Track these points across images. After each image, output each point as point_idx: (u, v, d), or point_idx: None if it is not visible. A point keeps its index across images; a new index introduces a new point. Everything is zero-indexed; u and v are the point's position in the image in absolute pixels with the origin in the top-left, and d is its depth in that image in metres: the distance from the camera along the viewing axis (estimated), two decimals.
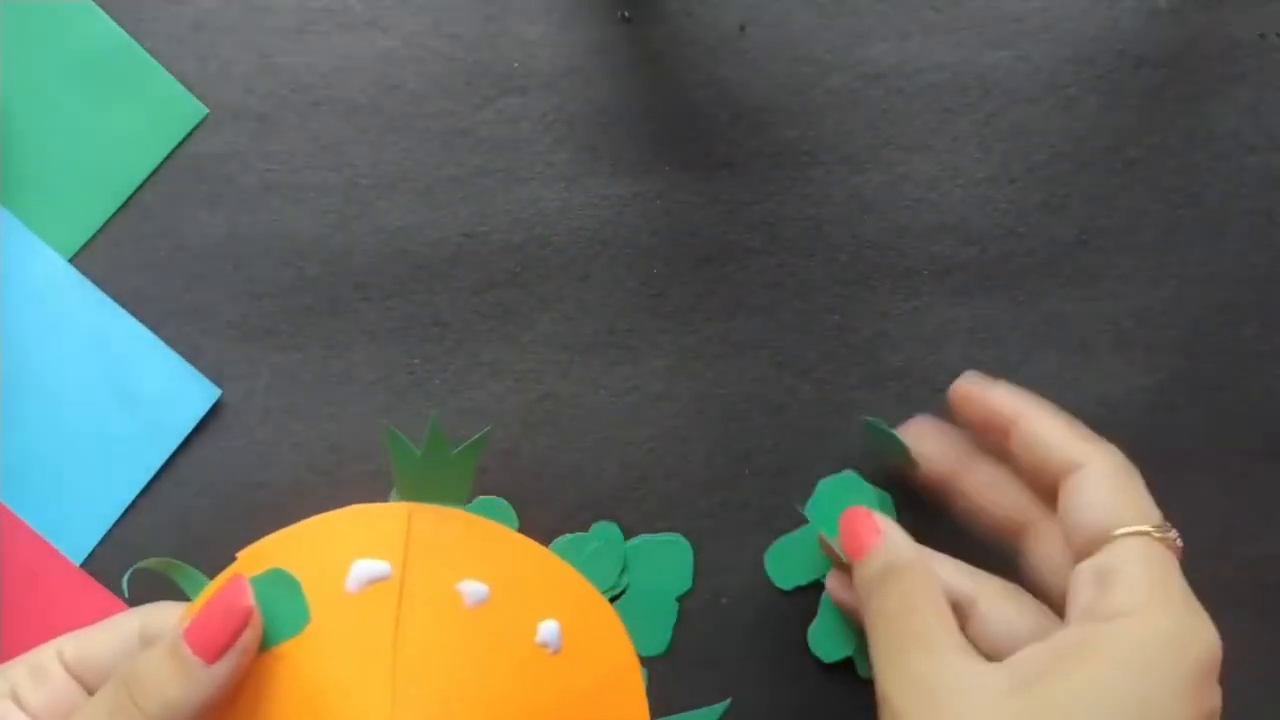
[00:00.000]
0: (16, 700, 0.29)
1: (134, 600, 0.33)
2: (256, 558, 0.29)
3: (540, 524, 0.38)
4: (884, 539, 0.33)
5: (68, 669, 0.30)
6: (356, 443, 0.39)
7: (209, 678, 0.26)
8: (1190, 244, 0.40)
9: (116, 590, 0.38)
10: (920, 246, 0.39)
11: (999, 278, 0.39)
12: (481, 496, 0.38)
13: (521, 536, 0.31)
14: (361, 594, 0.28)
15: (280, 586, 0.28)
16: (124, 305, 0.38)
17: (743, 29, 0.39)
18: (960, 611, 0.31)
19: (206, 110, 0.39)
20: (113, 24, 0.38)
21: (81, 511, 0.38)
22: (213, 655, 0.26)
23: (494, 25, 0.39)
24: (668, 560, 0.39)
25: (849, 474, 0.38)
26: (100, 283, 0.38)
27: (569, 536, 0.38)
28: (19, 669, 0.30)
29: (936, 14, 0.39)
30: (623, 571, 0.38)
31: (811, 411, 0.39)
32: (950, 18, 0.39)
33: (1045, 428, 0.32)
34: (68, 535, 0.38)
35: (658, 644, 0.38)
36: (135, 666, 0.27)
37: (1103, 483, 0.30)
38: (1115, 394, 0.39)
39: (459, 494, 0.30)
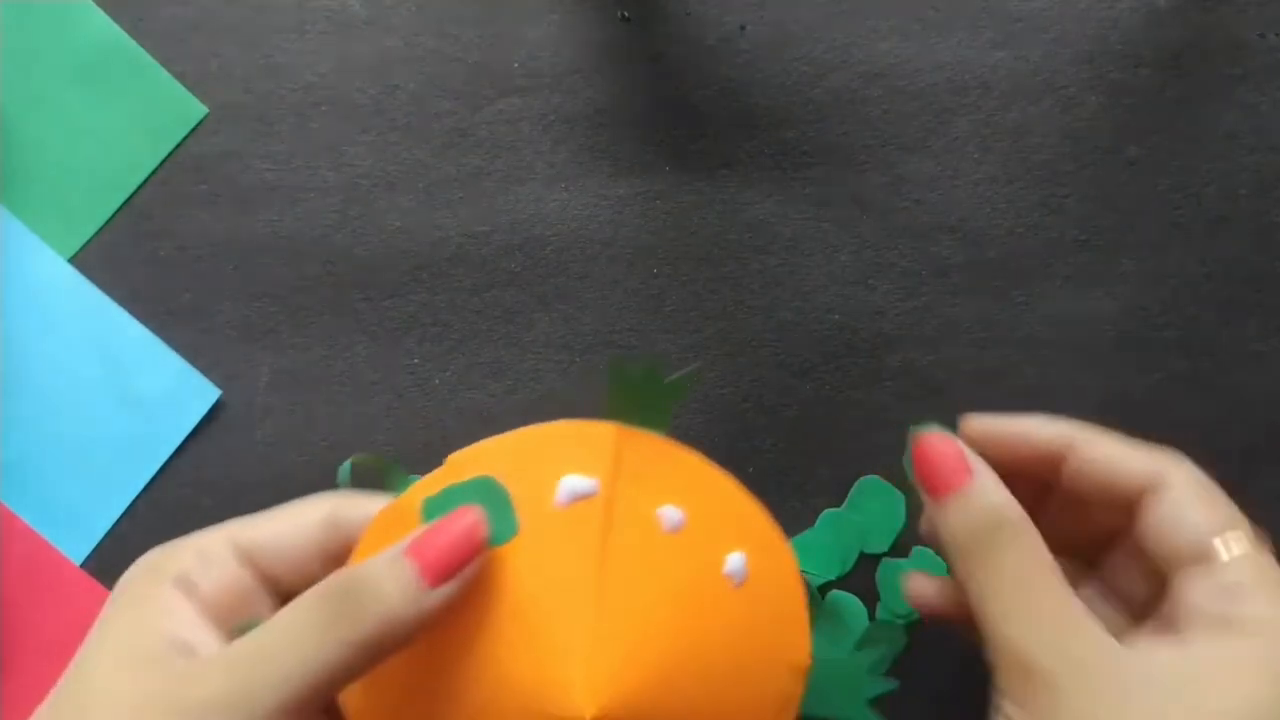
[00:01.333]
0: (185, 586, 0.27)
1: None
2: (466, 462, 0.29)
3: None
4: (976, 481, 0.30)
5: (239, 556, 0.28)
6: (356, 443, 0.39)
7: (430, 599, 0.26)
8: (1190, 244, 0.40)
9: None
10: (920, 246, 0.39)
11: (999, 278, 0.39)
12: None
13: (716, 468, 0.30)
14: (569, 509, 0.28)
15: (490, 495, 0.28)
16: (124, 305, 0.38)
17: (743, 29, 0.39)
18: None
19: (206, 110, 0.39)
20: (113, 24, 0.38)
21: (81, 511, 0.38)
22: (438, 580, 0.26)
23: (494, 25, 0.39)
24: None
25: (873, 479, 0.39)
26: (100, 283, 0.38)
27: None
28: (186, 553, 0.28)
29: (936, 14, 0.39)
30: None
31: (811, 411, 0.39)
32: (950, 18, 0.39)
33: (1109, 448, 0.31)
34: (68, 535, 0.38)
35: None
36: (359, 572, 0.26)
37: (1194, 495, 0.29)
38: (1115, 394, 0.39)
39: (662, 422, 0.30)
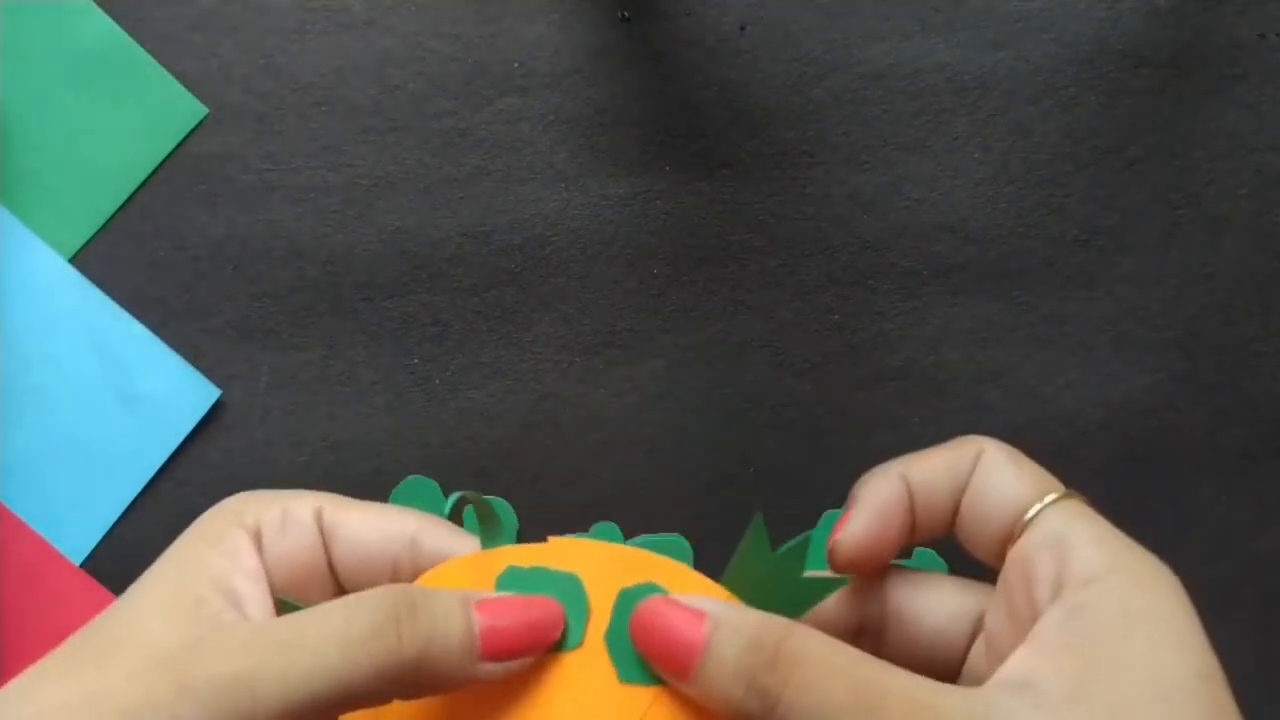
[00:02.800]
0: (259, 539, 0.26)
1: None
2: (565, 553, 0.27)
3: (540, 524, 0.38)
4: (714, 628, 0.24)
5: (321, 529, 0.27)
6: (356, 443, 0.39)
7: (475, 670, 0.24)
8: (1190, 244, 0.40)
9: (117, 590, 0.38)
10: (920, 246, 0.39)
11: (999, 278, 0.39)
12: (487, 497, 0.38)
13: None
14: None
15: (572, 597, 0.26)
16: (124, 305, 0.38)
17: (743, 29, 0.39)
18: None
19: (206, 110, 0.39)
20: (113, 24, 0.38)
21: (81, 511, 0.38)
22: (493, 652, 0.24)
23: (494, 25, 0.39)
24: None
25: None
26: (100, 283, 0.38)
27: (569, 536, 0.38)
28: (272, 508, 0.27)
29: (936, 14, 0.39)
30: None
31: (811, 411, 0.39)
32: (950, 18, 0.39)
33: (1002, 459, 0.27)
34: (68, 535, 0.38)
35: None
36: (429, 594, 0.24)
37: (1007, 462, 0.27)
38: (1115, 394, 0.39)
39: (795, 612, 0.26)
